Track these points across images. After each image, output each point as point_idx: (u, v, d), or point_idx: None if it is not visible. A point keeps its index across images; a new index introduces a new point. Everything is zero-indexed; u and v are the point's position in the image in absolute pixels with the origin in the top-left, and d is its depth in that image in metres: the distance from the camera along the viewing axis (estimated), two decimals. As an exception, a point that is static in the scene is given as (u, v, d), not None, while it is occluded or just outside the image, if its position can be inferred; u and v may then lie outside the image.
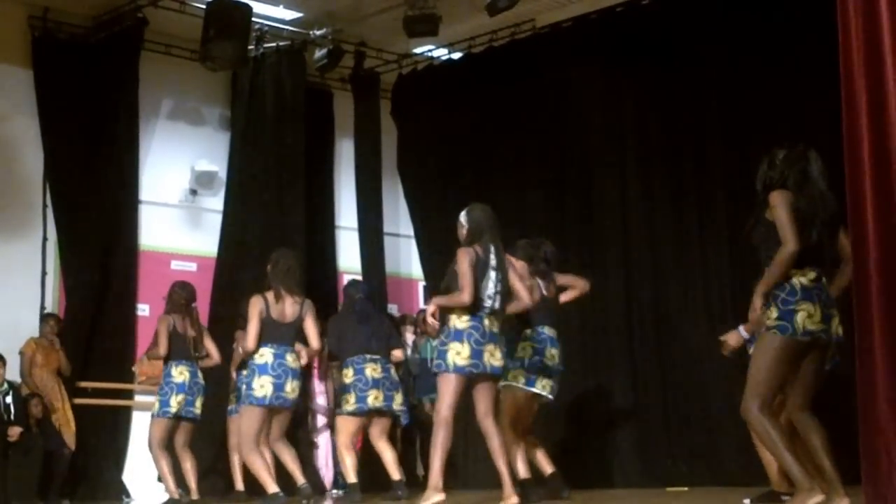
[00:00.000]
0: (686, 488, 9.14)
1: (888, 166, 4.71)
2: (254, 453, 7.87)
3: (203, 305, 10.95)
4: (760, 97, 9.42)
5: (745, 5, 9.50)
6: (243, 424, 7.96)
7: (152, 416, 8.77)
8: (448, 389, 6.78)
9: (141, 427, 10.63)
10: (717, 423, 9.60)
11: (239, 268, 11.02)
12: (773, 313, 5.35)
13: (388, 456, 8.75)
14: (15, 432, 9.48)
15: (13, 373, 9.91)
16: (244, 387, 7.91)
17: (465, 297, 6.74)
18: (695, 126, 10.04)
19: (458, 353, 6.72)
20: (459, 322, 6.77)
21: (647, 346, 10.12)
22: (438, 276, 11.56)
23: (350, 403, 8.52)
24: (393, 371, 8.73)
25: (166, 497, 8.91)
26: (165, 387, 8.68)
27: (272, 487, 7.86)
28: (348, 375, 8.55)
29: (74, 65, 10.72)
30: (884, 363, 4.67)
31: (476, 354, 6.73)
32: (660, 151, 10.33)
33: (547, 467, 7.90)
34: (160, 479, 9.06)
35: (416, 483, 10.28)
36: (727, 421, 9.53)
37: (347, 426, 8.60)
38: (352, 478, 8.60)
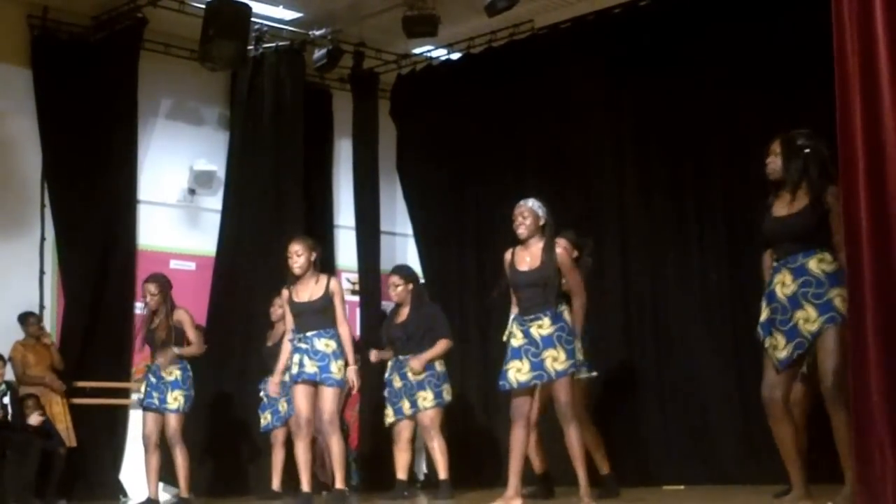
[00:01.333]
0: (682, 486, 9.20)
1: (882, 167, 4.76)
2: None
3: (202, 304, 10.99)
4: (758, 97, 9.46)
5: (743, 6, 9.54)
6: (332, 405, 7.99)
7: (180, 412, 8.77)
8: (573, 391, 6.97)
9: (138, 426, 10.67)
10: (713, 421, 9.67)
11: (238, 267, 11.05)
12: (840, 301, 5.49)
13: (406, 458, 8.87)
14: (37, 419, 9.51)
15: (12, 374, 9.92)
16: (336, 371, 7.93)
17: (585, 298, 7.15)
18: (693, 126, 10.08)
19: (580, 351, 7.00)
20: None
21: (644, 345, 10.19)
22: (439, 273, 11.72)
23: (449, 393, 8.80)
24: None
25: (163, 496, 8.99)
26: (190, 380, 8.80)
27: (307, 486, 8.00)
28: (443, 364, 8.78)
29: (73, 64, 10.69)
30: (877, 361, 4.72)
31: (571, 354, 6.94)
32: (658, 151, 10.39)
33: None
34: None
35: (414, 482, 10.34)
36: (724, 419, 9.61)
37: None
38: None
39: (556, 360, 6.83)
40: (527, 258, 7.06)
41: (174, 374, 8.82)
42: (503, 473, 10.23)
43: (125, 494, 10.50)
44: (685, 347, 9.95)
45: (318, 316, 7.97)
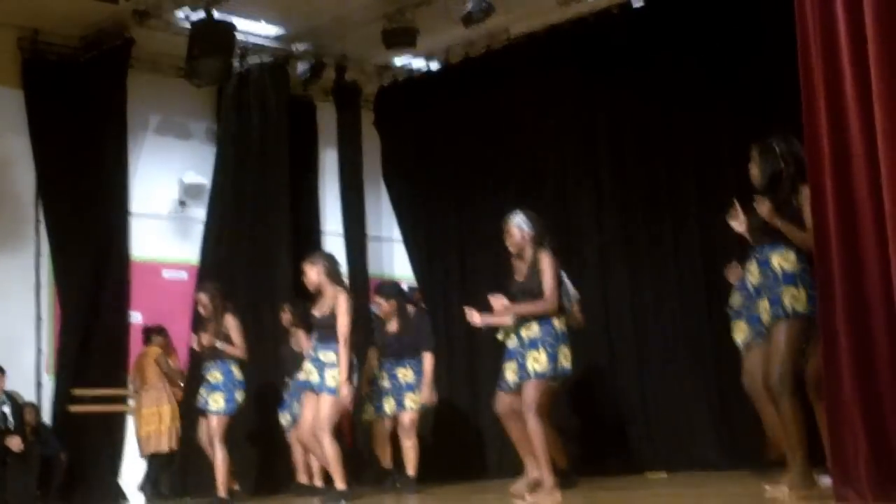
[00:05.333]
0: (664, 474, 9.37)
1: (847, 165, 4.97)
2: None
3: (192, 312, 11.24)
4: (730, 102, 9.67)
5: (715, 12, 9.70)
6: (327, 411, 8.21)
7: (221, 413, 9.05)
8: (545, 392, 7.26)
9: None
10: (693, 410, 9.85)
11: (225, 275, 11.19)
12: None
13: (388, 450, 9.30)
14: (15, 443, 9.73)
15: (12, 384, 10.16)
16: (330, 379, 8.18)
17: (555, 305, 7.22)
18: (667, 130, 10.28)
19: (566, 356, 7.25)
20: (561, 325, 7.28)
21: (624, 343, 10.36)
22: (427, 276, 11.95)
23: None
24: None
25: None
26: (233, 384, 9.15)
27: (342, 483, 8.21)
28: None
29: (64, 84, 10.91)
30: (848, 347, 4.91)
31: (552, 358, 7.18)
32: (633, 156, 10.57)
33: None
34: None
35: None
36: (703, 409, 9.79)
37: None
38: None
39: (536, 361, 7.17)
40: (522, 268, 7.46)
41: (217, 377, 9.13)
42: (489, 469, 10.59)
43: (124, 498, 10.74)
44: (664, 343, 10.14)
45: (326, 330, 8.25)
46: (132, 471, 10.87)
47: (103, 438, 10.81)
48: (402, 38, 10.88)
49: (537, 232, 7.40)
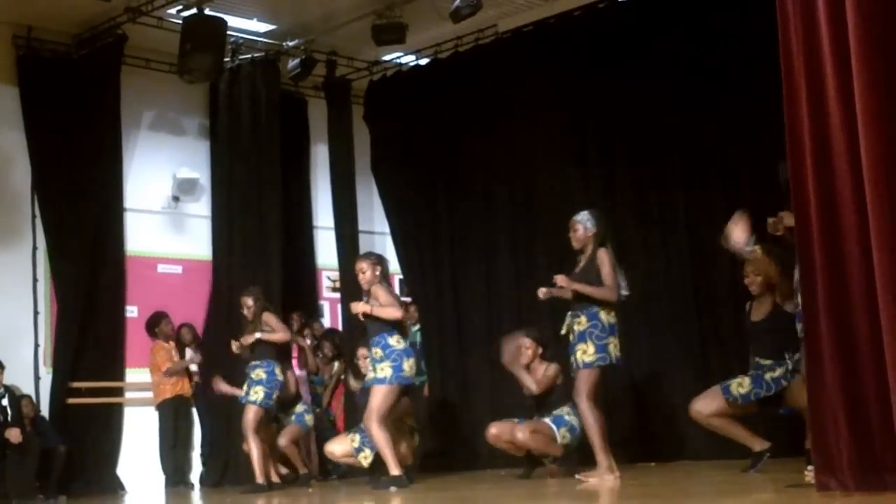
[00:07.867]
0: (653, 464, 9.52)
1: (828, 158, 5.08)
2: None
3: (190, 306, 11.36)
4: (717, 96, 9.77)
5: (700, 7, 9.78)
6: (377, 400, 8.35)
7: (257, 404, 9.41)
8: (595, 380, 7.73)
9: (133, 423, 11.13)
10: (680, 404, 9.97)
11: (227, 270, 11.38)
12: None
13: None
14: (14, 434, 9.84)
15: (10, 377, 10.28)
16: (379, 371, 8.33)
17: (614, 294, 7.68)
18: (654, 124, 10.36)
19: (615, 346, 7.72)
20: (609, 318, 7.69)
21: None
22: (416, 269, 12.07)
23: None
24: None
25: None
26: (275, 381, 9.50)
27: (397, 469, 8.35)
28: None
29: (58, 80, 11.01)
30: (829, 336, 5.02)
31: (601, 349, 7.70)
32: (622, 148, 10.66)
33: None
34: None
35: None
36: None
37: None
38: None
39: (584, 352, 7.67)
40: (581, 262, 7.90)
41: (259, 374, 9.45)
42: (481, 459, 10.70)
43: (122, 488, 10.89)
44: (653, 341, 10.25)
45: (374, 325, 8.48)
46: (130, 462, 11.04)
47: (101, 430, 10.95)
48: (392, 34, 11.00)
49: (599, 230, 7.84)
